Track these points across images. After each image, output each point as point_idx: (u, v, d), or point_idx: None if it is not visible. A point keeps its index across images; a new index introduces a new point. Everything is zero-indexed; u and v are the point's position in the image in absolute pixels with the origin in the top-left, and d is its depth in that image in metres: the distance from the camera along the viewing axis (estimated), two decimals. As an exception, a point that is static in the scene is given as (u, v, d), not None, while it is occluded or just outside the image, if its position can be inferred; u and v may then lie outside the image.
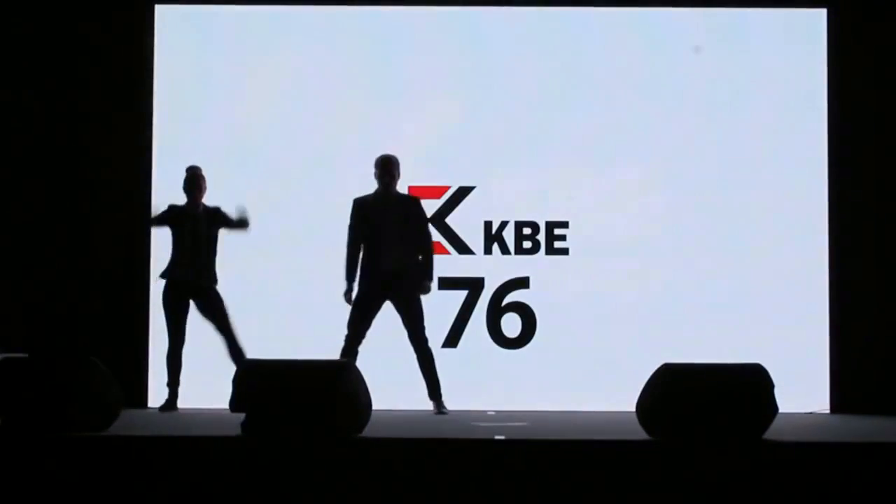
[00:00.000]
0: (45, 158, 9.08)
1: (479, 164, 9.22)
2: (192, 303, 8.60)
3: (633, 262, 9.07)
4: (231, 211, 8.53)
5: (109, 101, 9.11)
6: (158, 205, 8.68)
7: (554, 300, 9.12)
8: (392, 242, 8.31)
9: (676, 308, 9.01)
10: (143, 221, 9.03)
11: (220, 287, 8.58)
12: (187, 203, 8.58)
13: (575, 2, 9.29)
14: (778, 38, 9.21)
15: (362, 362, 7.18)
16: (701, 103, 9.18)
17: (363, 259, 8.39)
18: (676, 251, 9.05)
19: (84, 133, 9.11)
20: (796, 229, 9.07)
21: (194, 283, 8.54)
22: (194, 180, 8.57)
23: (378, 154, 8.47)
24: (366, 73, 9.23)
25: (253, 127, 9.16)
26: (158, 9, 9.24)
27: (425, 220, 8.53)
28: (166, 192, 9.06)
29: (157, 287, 8.98)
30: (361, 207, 8.42)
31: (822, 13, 9.17)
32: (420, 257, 8.40)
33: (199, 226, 8.53)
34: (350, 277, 8.39)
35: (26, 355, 7.78)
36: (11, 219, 9.08)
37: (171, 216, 8.57)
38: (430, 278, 8.38)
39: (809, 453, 5.85)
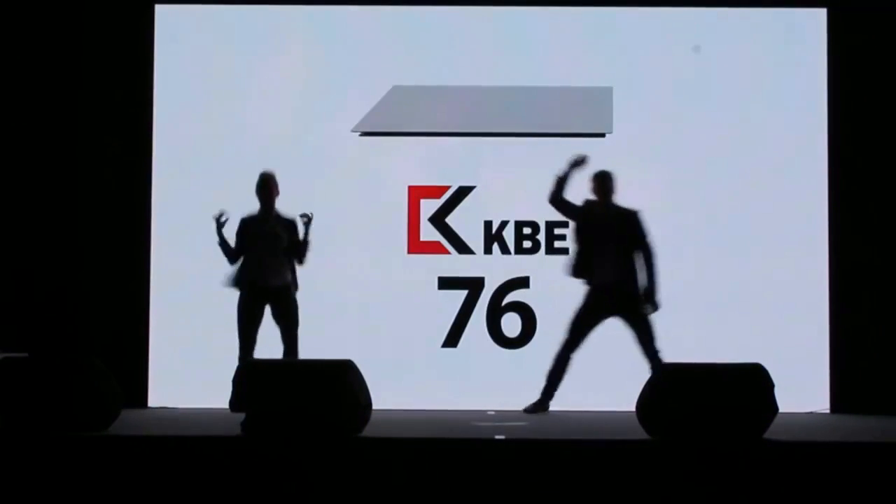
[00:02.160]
0: (45, 158, 9.08)
1: (479, 164, 9.21)
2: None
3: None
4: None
5: (109, 101, 9.11)
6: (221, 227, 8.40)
7: (554, 300, 9.11)
8: (612, 256, 8.30)
9: (676, 308, 8.99)
10: (144, 221, 9.04)
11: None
12: (261, 208, 8.43)
13: (575, 2, 9.28)
14: (778, 38, 9.21)
15: (362, 363, 7.16)
16: (700, 103, 9.17)
17: (583, 269, 8.35)
18: (676, 251, 9.03)
19: (84, 133, 9.11)
20: (796, 229, 9.06)
21: (270, 288, 8.34)
22: (267, 185, 8.42)
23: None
24: (366, 72, 9.22)
25: (253, 126, 9.16)
26: (158, 9, 9.23)
27: (645, 234, 8.41)
28: (166, 192, 9.08)
29: (157, 287, 9.00)
30: (587, 212, 8.42)
31: (822, 13, 9.17)
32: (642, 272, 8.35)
33: (274, 230, 8.38)
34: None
35: (26, 355, 7.79)
36: (11, 219, 9.08)
37: (245, 228, 8.40)
38: (655, 294, 8.31)
39: (809, 453, 5.85)
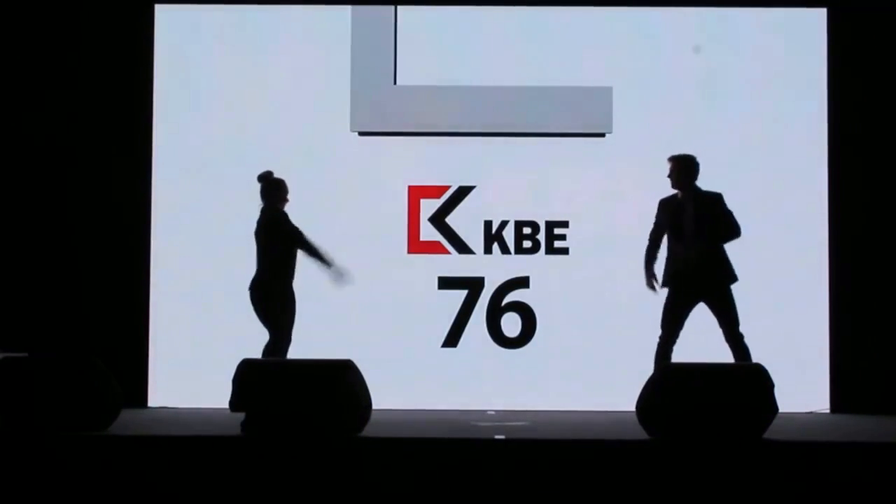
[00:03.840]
0: (45, 158, 9.08)
1: (479, 163, 9.21)
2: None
3: (634, 262, 9.05)
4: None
5: (109, 101, 9.11)
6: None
7: (554, 300, 9.12)
8: (694, 242, 8.08)
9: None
10: (144, 221, 9.03)
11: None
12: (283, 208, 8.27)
13: (575, 1, 9.28)
14: (778, 38, 9.21)
15: (362, 362, 7.17)
16: (700, 103, 9.18)
17: (669, 258, 8.15)
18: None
19: (84, 133, 9.11)
20: (796, 229, 9.06)
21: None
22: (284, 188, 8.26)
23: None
24: (366, 72, 9.22)
25: (253, 127, 9.16)
26: (158, 9, 9.23)
27: (729, 214, 8.17)
28: (166, 192, 9.07)
29: (157, 287, 9.00)
30: (665, 207, 8.20)
31: (822, 13, 9.17)
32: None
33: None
34: (648, 273, 8.16)
35: (26, 355, 7.79)
36: (11, 219, 9.07)
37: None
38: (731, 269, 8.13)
39: (809, 453, 5.85)
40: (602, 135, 9.19)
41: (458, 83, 9.23)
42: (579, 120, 9.21)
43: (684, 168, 8.18)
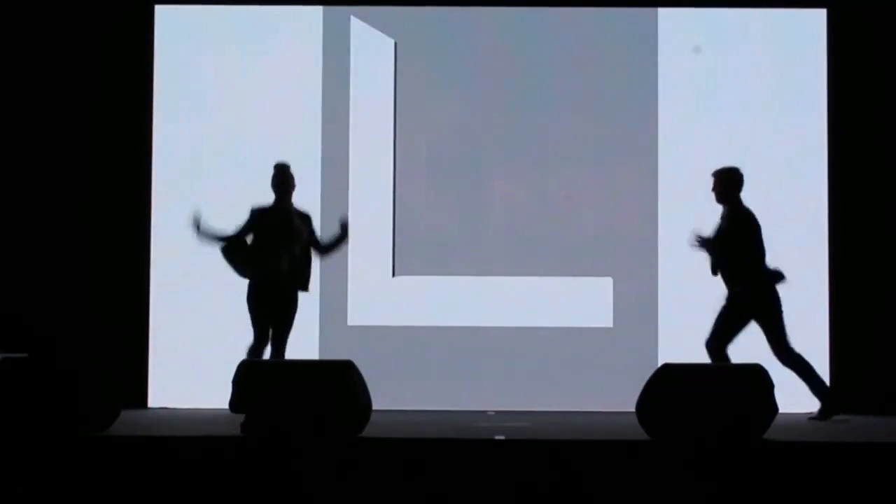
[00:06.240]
0: (45, 158, 9.08)
1: (479, 164, 9.21)
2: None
3: (633, 262, 9.08)
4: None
5: (109, 101, 9.11)
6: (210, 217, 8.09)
7: (554, 300, 9.11)
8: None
9: (676, 308, 9.01)
10: (144, 221, 9.04)
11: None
12: (276, 200, 8.16)
13: (576, 1, 9.29)
14: (778, 38, 9.21)
15: (362, 362, 7.15)
16: (700, 103, 9.18)
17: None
18: (676, 250, 9.03)
19: (84, 133, 9.11)
20: (796, 229, 9.05)
21: (282, 280, 8.10)
22: (285, 177, 8.17)
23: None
24: (365, 73, 9.23)
25: (253, 127, 9.16)
26: (158, 9, 9.24)
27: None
28: (166, 192, 9.08)
29: (157, 287, 9.01)
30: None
31: (822, 13, 9.18)
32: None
33: (291, 225, 8.14)
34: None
35: (26, 355, 7.79)
36: (12, 219, 9.08)
37: (258, 218, 8.13)
38: None
39: (809, 453, 5.85)
40: None
41: (458, 83, 9.24)
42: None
43: (725, 182, 8.05)
